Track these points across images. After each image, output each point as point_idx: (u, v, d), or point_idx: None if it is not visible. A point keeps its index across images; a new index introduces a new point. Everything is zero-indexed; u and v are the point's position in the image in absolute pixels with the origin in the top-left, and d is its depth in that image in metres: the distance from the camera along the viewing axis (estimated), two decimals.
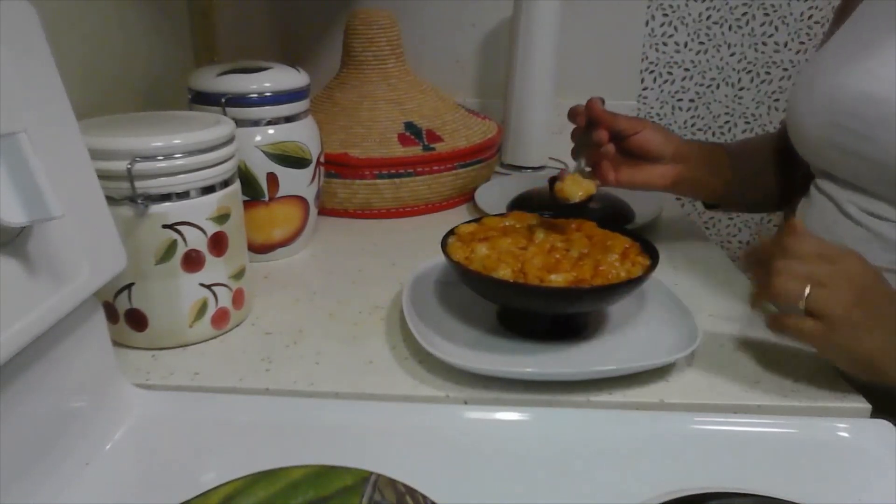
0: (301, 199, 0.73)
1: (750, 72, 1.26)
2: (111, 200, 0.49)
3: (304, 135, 0.72)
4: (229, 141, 0.56)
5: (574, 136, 0.72)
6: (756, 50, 1.24)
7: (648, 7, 1.20)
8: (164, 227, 0.53)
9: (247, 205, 0.67)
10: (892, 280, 0.52)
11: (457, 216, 0.90)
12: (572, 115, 0.71)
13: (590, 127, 0.69)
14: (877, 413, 0.50)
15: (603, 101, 0.70)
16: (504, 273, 0.54)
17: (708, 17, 1.22)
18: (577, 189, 0.68)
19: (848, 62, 0.61)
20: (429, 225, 0.87)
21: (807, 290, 0.48)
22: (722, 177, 0.76)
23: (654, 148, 0.71)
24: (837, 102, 0.60)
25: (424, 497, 0.39)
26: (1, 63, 0.37)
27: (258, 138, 0.69)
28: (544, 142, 1.10)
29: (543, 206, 0.82)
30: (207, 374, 0.54)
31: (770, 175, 0.80)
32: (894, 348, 0.48)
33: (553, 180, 0.70)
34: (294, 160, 0.71)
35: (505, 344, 0.57)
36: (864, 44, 0.61)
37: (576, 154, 0.73)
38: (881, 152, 0.57)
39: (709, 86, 1.26)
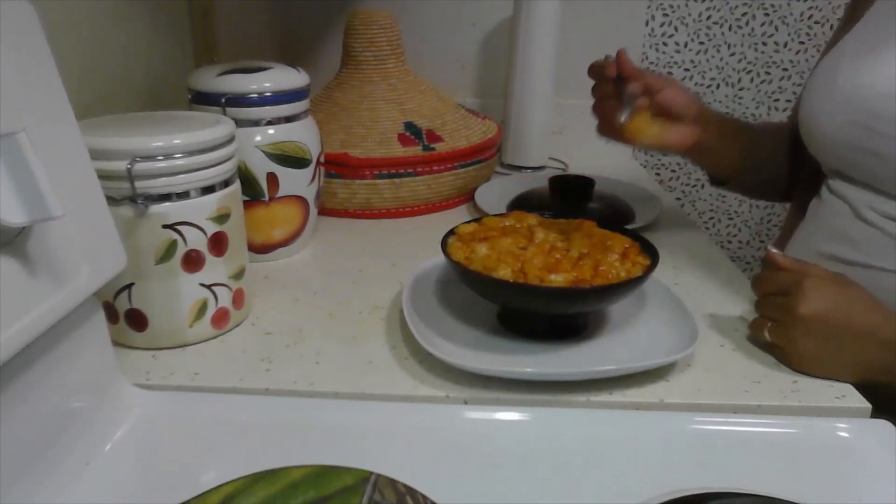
0: (301, 199, 0.73)
1: (750, 72, 1.26)
2: (111, 200, 0.49)
3: (304, 135, 0.72)
4: (229, 141, 0.56)
5: (598, 90, 0.72)
6: (756, 50, 1.24)
7: (648, 7, 1.20)
8: (164, 227, 0.53)
9: (247, 205, 0.67)
10: None
11: (457, 216, 0.90)
12: (596, 68, 0.70)
13: (618, 81, 0.69)
14: (877, 413, 0.50)
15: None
16: (504, 273, 0.54)
17: (708, 17, 1.22)
18: (651, 126, 0.67)
19: (867, 62, 0.60)
20: (429, 225, 0.87)
21: (768, 325, 0.56)
22: (736, 151, 0.76)
23: (679, 107, 0.71)
24: (857, 102, 0.60)
25: (424, 497, 0.39)
26: (1, 63, 0.37)
27: (258, 138, 0.69)
28: (544, 142, 1.10)
29: (543, 206, 0.82)
30: (207, 374, 0.54)
31: (783, 162, 0.80)
32: (853, 367, 0.53)
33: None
34: (294, 160, 0.71)
35: (505, 344, 0.57)
36: (883, 43, 0.60)
37: (597, 109, 0.72)
38: None
39: (709, 86, 1.26)
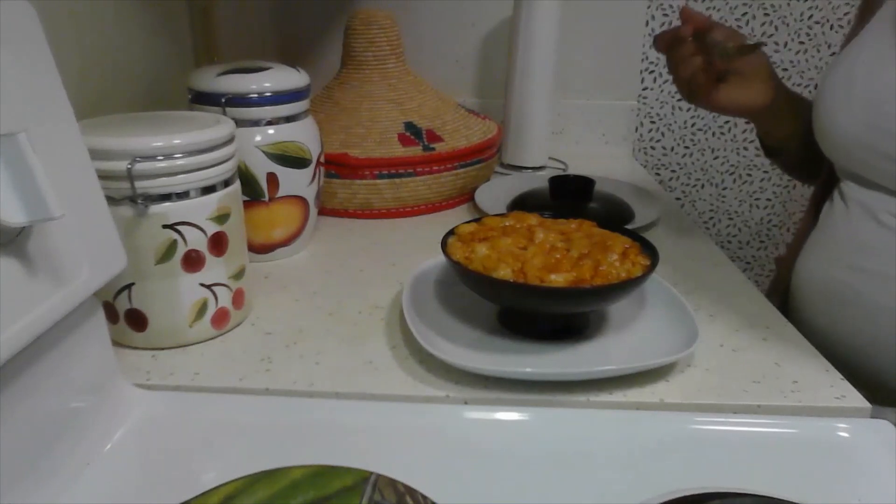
0: (301, 199, 0.73)
1: None
2: (111, 200, 0.49)
3: (304, 135, 0.72)
4: (229, 141, 0.56)
5: (676, 55, 0.69)
6: None
7: (648, 7, 1.20)
8: (164, 227, 0.53)
9: (247, 205, 0.67)
10: None
11: (457, 216, 0.90)
12: (665, 37, 0.69)
13: (695, 37, 0.67)
14: (877, 404, 0.50)
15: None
16: (504, 273, 0.54)
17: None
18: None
19: (889, 63, 0.59)
20: (429, 225, 0.87)
21: None
22: (794, 116, 0.75)
23: (755, 63, 0.70)
24: (878, 104, 0.59)
25: (424, 497, 0.39)
26: (1, 63, 0.37)
27: (258, 138, 0.69)
28: (544, 142, 1.10)
29: (543, 206, 0.82)
30: (207, 374, 0.54)
31: None
32: None
33: None
34: (294, 160, 0.71)
35: (505, 344, 0.57)
36: None
37: (681, 75, 0.70)
38: None
39: None
